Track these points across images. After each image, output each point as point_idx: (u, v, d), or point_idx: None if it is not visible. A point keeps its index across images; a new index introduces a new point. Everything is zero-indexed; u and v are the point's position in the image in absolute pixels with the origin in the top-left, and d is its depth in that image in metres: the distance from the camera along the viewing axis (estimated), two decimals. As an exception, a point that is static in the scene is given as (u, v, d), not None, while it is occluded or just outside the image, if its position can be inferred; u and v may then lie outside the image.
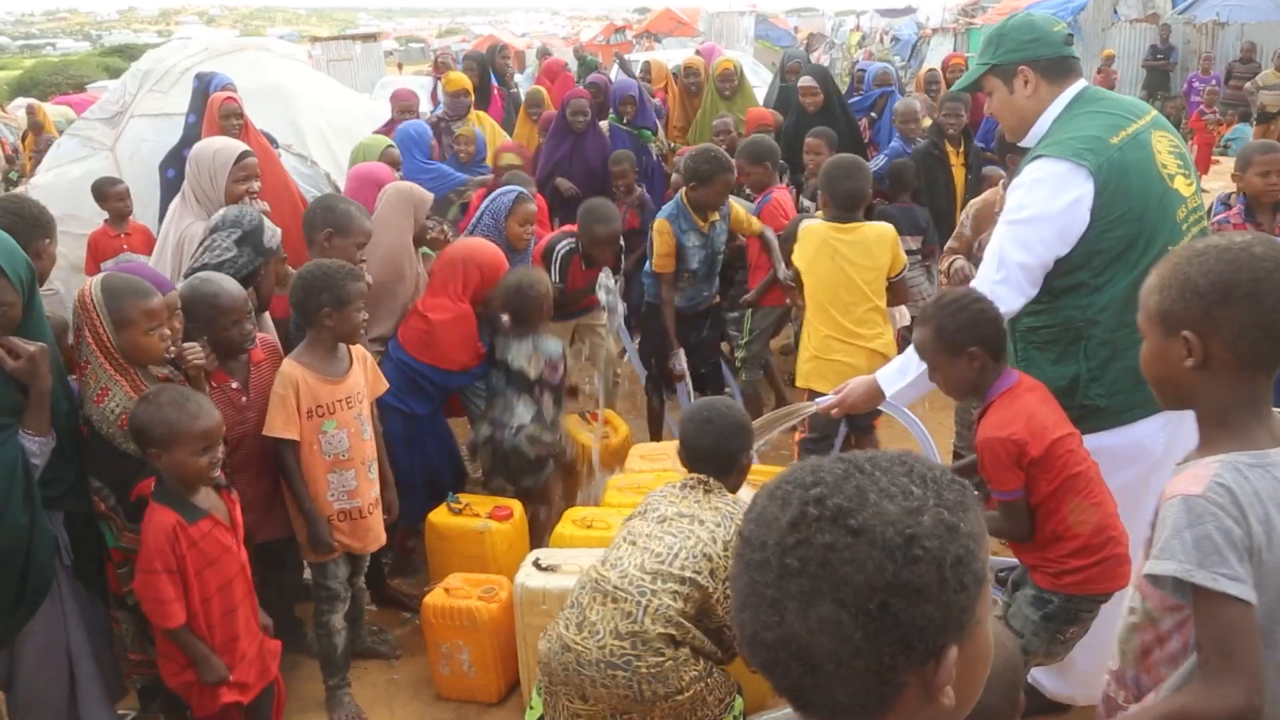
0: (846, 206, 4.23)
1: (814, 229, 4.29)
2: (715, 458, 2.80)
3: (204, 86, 6.17)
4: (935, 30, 26.09)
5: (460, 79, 7.63)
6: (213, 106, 5.76)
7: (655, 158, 7.11)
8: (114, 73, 29.32)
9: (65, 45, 68.51)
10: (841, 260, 4.17)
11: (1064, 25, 2.95)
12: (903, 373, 2.98)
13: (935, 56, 22.77)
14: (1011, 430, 2.62)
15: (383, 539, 3.63)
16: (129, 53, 37.64)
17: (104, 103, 7.61)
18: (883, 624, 0.92)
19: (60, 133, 12.93)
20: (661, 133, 7.58)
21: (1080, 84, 2.84)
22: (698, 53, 9.80)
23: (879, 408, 3.23)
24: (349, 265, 3.50)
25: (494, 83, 8.97)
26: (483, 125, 7.56)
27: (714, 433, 2.81)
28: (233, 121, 5.74)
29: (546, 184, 6.57)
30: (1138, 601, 1.78)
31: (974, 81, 2.98)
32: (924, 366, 2.86)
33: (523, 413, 4.12)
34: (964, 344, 2.67)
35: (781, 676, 0.98)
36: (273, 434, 3.29)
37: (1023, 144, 2.98)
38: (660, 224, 4.85)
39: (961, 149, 6.68)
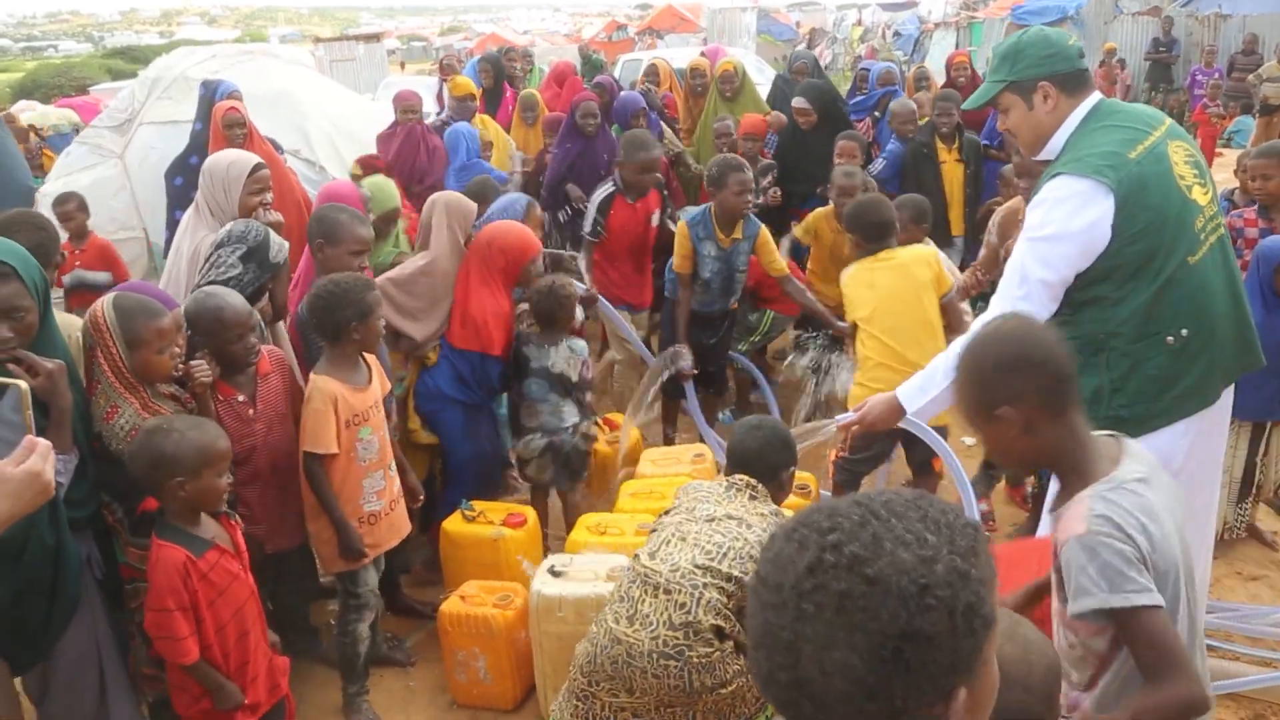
0: (876, 238, 4.28)
1: (852, 275, 4.34)
2: (758, 464, 2.89)
3: (210, 94, 6.19)
4: (937, 25, 26.04)
5: (466, 84, 7.62)
6: (216, 116, 5.79)
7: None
8: (116, 74, 29.37)
9: (67, 47, 68.66)
10: (881, 289, 4.20)
11: (1076, 38, 2.94)
12: (924, 389, 2.94)
13: (938, 51, 22.80)
14: None
15: (403, 531, 3.67)
16: (131, 54, 37.71)
17: (113, 110, 7.64)
18: (895, 669, 0.96)
19: (42, 138, 13.04)
20: (670, 134, 7.59)
21: (1096, 97, 2.82)
22: (703, 54, 9.79)
23: (901, 425, 3.20)
24: (361, 276, 3.52)
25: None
26: (486, 128, 7.60)
27: (760, 439, 2.91)
28: (236, 131, 5.77)
29: (559, 188, 6.59)
30: (1073, 638, 1.96)
31: (990, 99, 2.94)
32: (946, 382, 2.83)
33: (571, 413, 4.28)
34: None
35: (794, 714, 1.02)
36: (316, 449, 3.31)
37: (1039, 158, 2.97)
38: (680, 225, 4.99)
39: (955, 145, 6.74)
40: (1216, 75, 14.92)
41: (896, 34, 28.17)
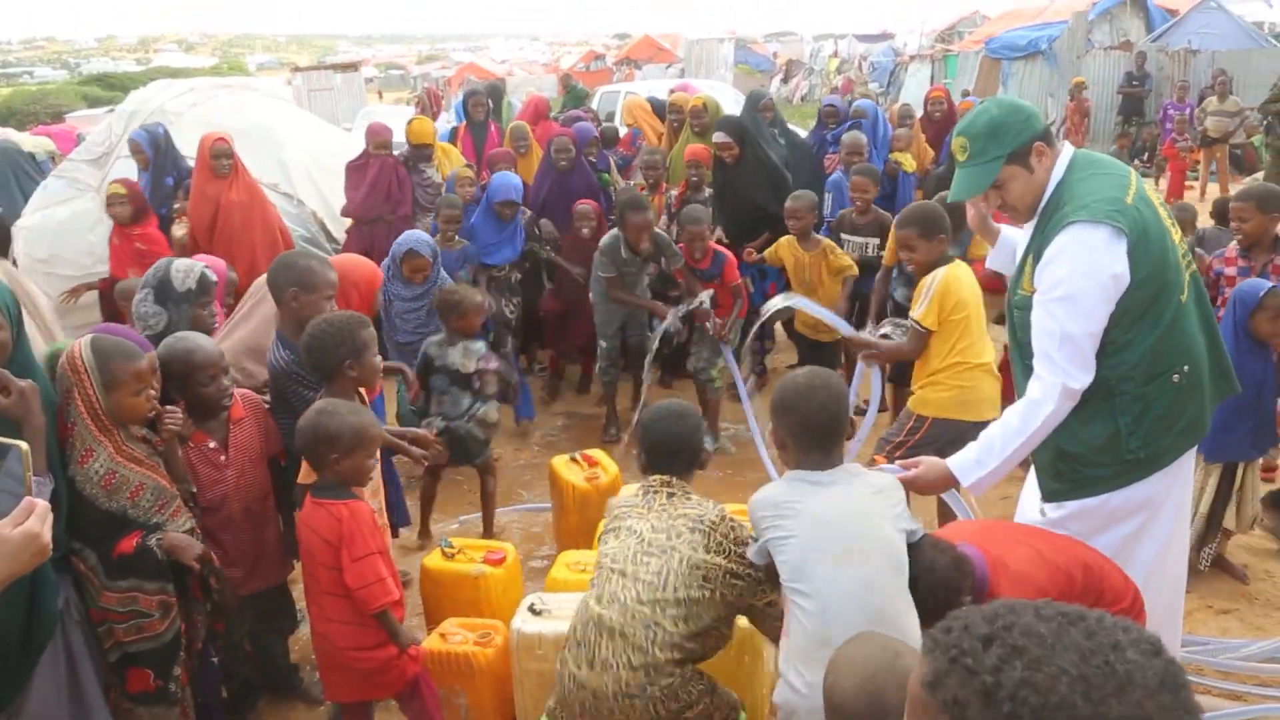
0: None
1: (959, 272, 4.29)
2: (684, 453, 2.91)
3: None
4: (912, 57, 26.35)
5: (424, 133, 7.57)
6: (204, 146, 5.86)
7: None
8: (93, 101, 29.27)
9: (43, 74, 68.12)
10: (975, 292, 4.28)
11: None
12: (980, 464, 2.84)
13: (913, 83, 23.09)
14: None
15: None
16: (108, 81, 37.57)
17: (90, 144, 7.65)
18: None
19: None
20: (616, 174, 7.70)
21: (1070, 148, 2.87)
22: (673, 90, 9.89)
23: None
24: (355, 314, 3.53)
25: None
26: (447, 156, 7.74)
27: (687, 428, 2.92)
28: (223, 162, 5.85)
29: (534, 222, 6.62)
30: None
31: (994, 178, 2.83)
32: (1004, 457, 2.80)
33: (467, 404, 4.95)
34: None
35: None
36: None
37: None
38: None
39: None
40: (1187, 110, 15.18)
41: (873, 65, 28.51)
